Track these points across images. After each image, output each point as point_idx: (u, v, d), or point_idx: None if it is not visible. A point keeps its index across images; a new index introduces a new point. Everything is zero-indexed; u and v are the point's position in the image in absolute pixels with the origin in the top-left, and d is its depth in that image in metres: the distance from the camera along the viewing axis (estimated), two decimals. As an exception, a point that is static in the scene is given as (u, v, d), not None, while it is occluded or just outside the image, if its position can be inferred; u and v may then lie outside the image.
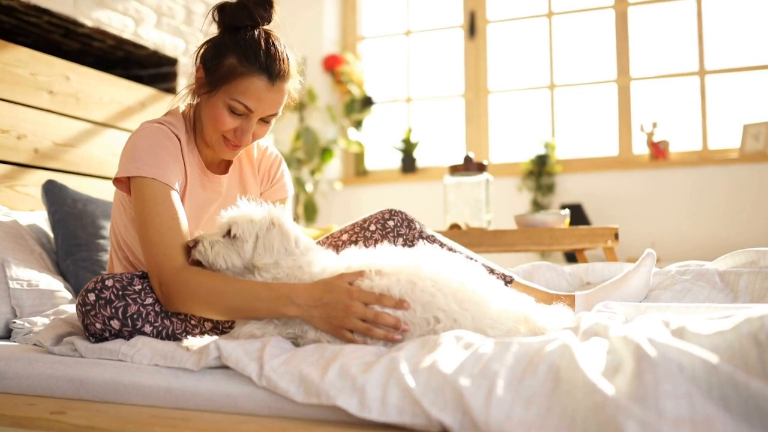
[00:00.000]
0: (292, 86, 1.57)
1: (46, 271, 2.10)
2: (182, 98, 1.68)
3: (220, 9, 1.54)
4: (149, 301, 1.43)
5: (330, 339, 1.31)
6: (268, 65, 1.49)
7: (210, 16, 1.56)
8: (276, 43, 1.52)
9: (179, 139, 1.58)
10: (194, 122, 1.64)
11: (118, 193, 1.63)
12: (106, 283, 1.41)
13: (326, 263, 1.39)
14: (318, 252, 1.43)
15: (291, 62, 1.55)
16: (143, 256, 1.47)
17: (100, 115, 2.76)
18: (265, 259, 1.37)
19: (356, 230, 1.74)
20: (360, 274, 1.31)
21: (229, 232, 1.40)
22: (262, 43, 1.50)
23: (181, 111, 1.66)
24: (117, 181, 1.55)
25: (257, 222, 1.40)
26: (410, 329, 1.26)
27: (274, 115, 1.56)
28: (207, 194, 1.64)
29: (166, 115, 1.65)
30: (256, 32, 1.51)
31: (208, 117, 1.55)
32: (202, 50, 1.58)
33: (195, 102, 1.63)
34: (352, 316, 1.26)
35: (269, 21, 1.56)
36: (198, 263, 1.42)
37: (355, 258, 1.38)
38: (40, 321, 1.83)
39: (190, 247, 1.43)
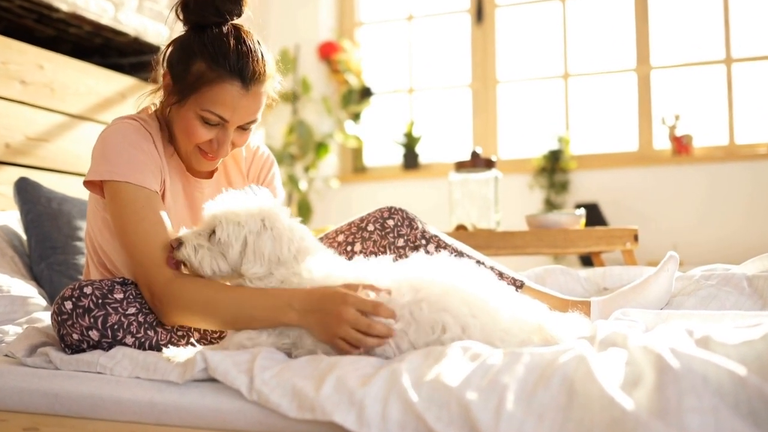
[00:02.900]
0: (270, 87, 1.53)
1: (19, 275, 2.10)
2: (148, 97, 1.64)
3: (184, 5, 1.49)
4: (132, 310, 1.42)
5: (327, 350, 1.31)
6: (241, 68, 1.45)
7: (173, 13, 1.52)
8: (248, 41, 1.48)
9: (153, 139, 1.56)
10: (168, 125, 1.59)
11: (92, 193, 1.61)
12: (85, 290, 1.40)
13: (330, 269, 1.38)
14: (320, 256, 1.41)
15: (267, 61, 1.50)
16: (130, 266, 1.47)
17: (77, 106, 2.76)
18: (255, 269, 1.35)
19: (353, 230, 1.73)
20: (370, 288, 1.31)
21: (214, 233, 1.38)
22: (232, 42, 1.46)
23: (152, 110, 1.63)
24: (89, 183, 1.54)
25: (245, 223, 1.37)
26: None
27: (253, 121, 1.53)
28: (189, 201, 1.63)
29: (138, 113, 1.62)
30: (225, 29, 1.47)
31: (180, 128, 1.52)
32: (167, 52, 1.53)
33: (167, 110, 1.58)
34: (344, 323, 1.27)
35: (239, 14, 1.51)
36: (182, 263, 1.42)
37: (364, 269, 1.37)
38: (12, 330, 1.83)
39: (172, 247, 1.42)
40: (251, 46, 1.48)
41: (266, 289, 1.36)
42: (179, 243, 1.40)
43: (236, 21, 1.52)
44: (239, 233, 1.36)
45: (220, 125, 1.50)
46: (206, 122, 1.49)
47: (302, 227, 1.43)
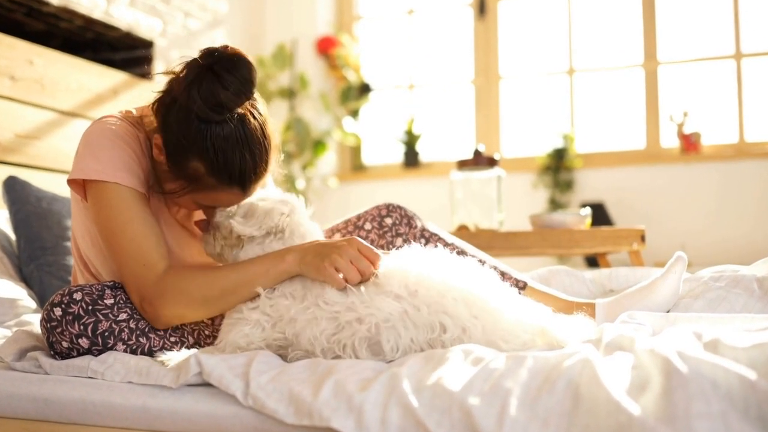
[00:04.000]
0: (271, 172, 1.48)
1: (7, 276, 2.10)
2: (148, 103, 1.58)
3: (189, 87, 1.34)
4: (123, 317, 1.41)
5: (325, 348, 1.31)
6: (242, 178, 1.38)
7: (178, 76, 1.38)
8: (252, 135, 1.37)
9: (140, 140, 1.52)
10: (152, 165, 1.51)
11: (74, 194, 1.58)
12: (74, 296, 1.39)
13: None
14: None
15: (270, 155, 1.42)
16: (117, 270, 1.45)
17: (68, 103, 2.76)
18: (246, 230, 1.42)
19: (349, 229, 1.73)
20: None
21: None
22: (236, 150, 1.36)
23: (132, 118, 1.57)
24: (72, 182, 1.50)
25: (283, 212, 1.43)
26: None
27: None
28: (171, 211, 1.60)
29: (122, 114, 1.58)
30: (231, 127, 1.35)
31: (169, 191, 1.46)
32: (162, 114, 1.40)
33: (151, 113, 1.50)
34: (344, 253, 1.33)
35: (247, 100, 1.39)
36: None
37: None
38: (1, 333, 1.83)
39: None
40: (254, 148, 1.38)
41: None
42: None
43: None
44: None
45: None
46: (201, 206, 1.50)
47: (314, 227, 1.50)
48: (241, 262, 1.41)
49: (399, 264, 1.34)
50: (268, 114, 1.45)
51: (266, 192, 1.49)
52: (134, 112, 1.59)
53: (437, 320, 1.26)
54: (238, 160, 1.36)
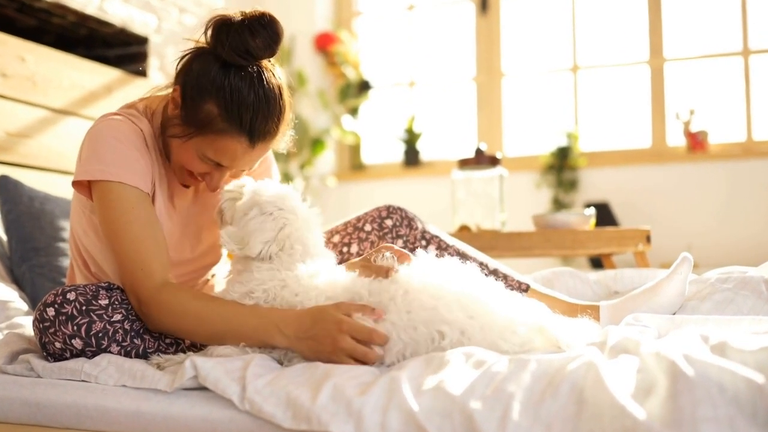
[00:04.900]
0: (281, 142, 1.53)
1: (-1, 278, 2.10)
2: (149, 93, 1.64)
3: (217, 36, 1.43)
4: (117, 317, 1.42)
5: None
6: (252, 127, 1.43)
7: (205, 32, 1.46)
8: (270, 91, 1.45)
9: (145, 137, 1.55)
10: (161, 127, 1.55)
11: (76, 192, 1.60)
12: (68, 296, 1.40)
13: (327, 280, 1.40)
14: (318, 258, 1.43)
15: (283, 117, 1.48)
16: (117, 270, 1.46)
17: (61, 101, 2.76)
18: (269, 249, 1.42)
19: (349, 230, 1.73)
20: (362, 308, 1.31)
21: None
22: (252, 96, 1.42)
23: (139, 104, 1.62)
24: (77, 183, 1.53)
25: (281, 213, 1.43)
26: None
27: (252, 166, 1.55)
28: (176, 208, 1.62)
29: (125, 107, 1.61)
30: (250, 72, 1.43)
31: (176, 150, 1.51)
32: (185, 65, 1.48)
33: (160, 103, 1.57)
34: (340, 352, 1.28)
35: (271, 56, 1.47)
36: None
37: (358, 282, 1.38)
38: (-8, 336, 1.83)
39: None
40: (270, 102, 1.44)
41: (256, 306, 1.38)
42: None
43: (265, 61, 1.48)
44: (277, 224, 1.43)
45: (216, 165, 1.50)
46: (204, 158, 1.49)
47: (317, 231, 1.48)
48: (234, 312, 1.38)
49: (389, 283, 1.33)
50: (288, 87, 1.51)
51: (266, 187, 1.48)
52: (139, 106, 1.61)
53: (434, 330, 1.27)
54: (252, 106, 1.42)
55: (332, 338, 1.28)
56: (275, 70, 1.48)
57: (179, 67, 1.50)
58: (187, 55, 1.49)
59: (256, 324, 1.35)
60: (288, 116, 1.50)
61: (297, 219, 1.44)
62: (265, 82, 1.44)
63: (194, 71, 1.46)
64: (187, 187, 1.62)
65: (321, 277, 1.41)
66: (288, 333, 1.32)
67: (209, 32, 1.45)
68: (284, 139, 1.53)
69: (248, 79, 1.43)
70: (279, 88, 1.47)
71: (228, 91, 1.42)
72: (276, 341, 1.33)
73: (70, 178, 1.55)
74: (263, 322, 1.34)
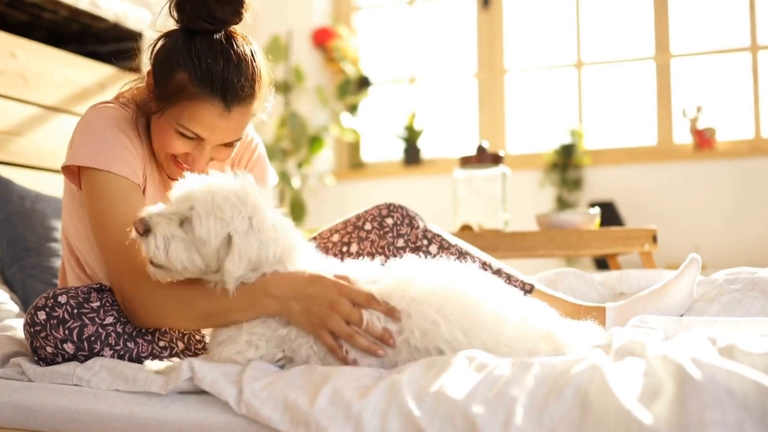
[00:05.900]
0: (259, 107, 1.51)
1: (-11, 280, 2.10)
2: (128, 85, 1.65)
3: (178, 5, 1.47)
4: (109, 320, 1.41)
5: (322, 359, 1.32)
6: (225, 88, 1.43)
7: (167, 8, 1.49)
8: (239, 55, 1.45)
9: (137, 126, 1.57)
10: (146, 118, 1.57)
11: (67, 185, 1.61)
12: (59, 299, 1.40)
13: (321, 269, 1.37)
14: (305, 255, 1.39)
15: (258, 79, 1.48)
16: (102, 263, 1.47)
17: (52, 97, 2.76)
18: (239, 272, 1.28)
19: (349, 229, 1.73)
20: (347, 279, 1.31)
21: (188, 220, 1.28)
22: (219, 57, 1.43)
23: (127, 93, 1.64)
24: (66, 169, 1.54)
25: (230, 220, 1.27)
26: (397, 347, 1.27)
27: (236, 140, 1.52)
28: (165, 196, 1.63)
29: (115, 99, 1.63)
30: (216, 38, 1.45)
31: (156, 136, 1.52)
32: (156, 47, 1.51)
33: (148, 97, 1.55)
34: (336, 314, 1.27)
35: (237, 22, 1.48)
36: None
37: (344, 268, 1.37)
38: (-18, 338, 1.83)
39: (137, 231, 1.30)
40: (241, 62, 1.45)
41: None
42: (146, 230, 1.29)
43: (232, 28, 1.49)
44: (222, 231, 1.28)
45: (197, 140, 1.49)
46: (183, 135, 1.48)
47: (285, 222, 1.38)
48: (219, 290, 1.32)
49: (393, 283, 1.32)
50: (266, 60, 1.52)
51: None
52: (126, 95, 1.63)
53: (432, 345, 1.26)
54: (221, 67, 1.43)
55: (329, 300, 1.28)
56: (249, 41, 1.50)
57: (150, 52, 1.52)
58: (157, 40, 1.52)
59: (243, 291, 1.30)
60: (265, 79, 1.51)
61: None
62: (235, 45, 1.46)
63: (162, 49, 1.49)
64: (175, 180, 1.62)
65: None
66: (278, 294, 1.30)
67: (172, 8, 1.48)
68: (264, 105, 1.53)
69: (216, 44, 1.44)
70: (252, 51, 1.48)
71: (195, 56, 1.43)
72: (266, 305, 1.30)
73: (62, 177, 1.55)
74: (248, 288, 1.31)
